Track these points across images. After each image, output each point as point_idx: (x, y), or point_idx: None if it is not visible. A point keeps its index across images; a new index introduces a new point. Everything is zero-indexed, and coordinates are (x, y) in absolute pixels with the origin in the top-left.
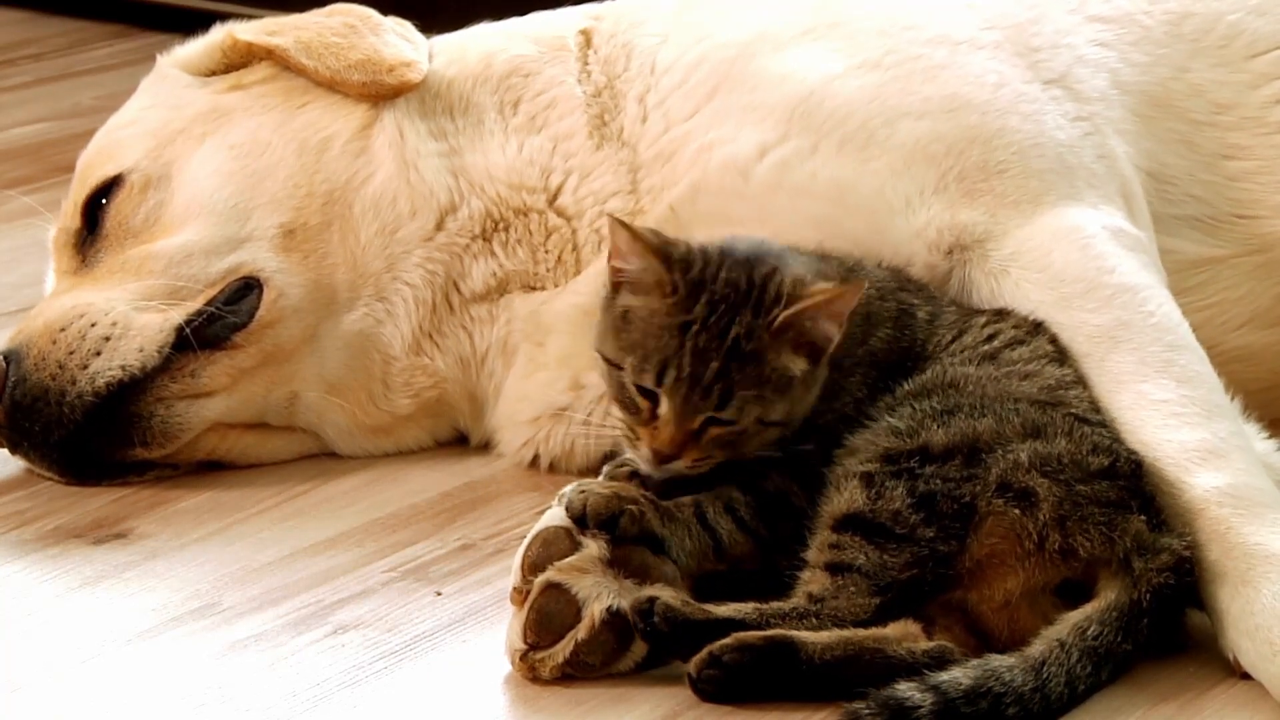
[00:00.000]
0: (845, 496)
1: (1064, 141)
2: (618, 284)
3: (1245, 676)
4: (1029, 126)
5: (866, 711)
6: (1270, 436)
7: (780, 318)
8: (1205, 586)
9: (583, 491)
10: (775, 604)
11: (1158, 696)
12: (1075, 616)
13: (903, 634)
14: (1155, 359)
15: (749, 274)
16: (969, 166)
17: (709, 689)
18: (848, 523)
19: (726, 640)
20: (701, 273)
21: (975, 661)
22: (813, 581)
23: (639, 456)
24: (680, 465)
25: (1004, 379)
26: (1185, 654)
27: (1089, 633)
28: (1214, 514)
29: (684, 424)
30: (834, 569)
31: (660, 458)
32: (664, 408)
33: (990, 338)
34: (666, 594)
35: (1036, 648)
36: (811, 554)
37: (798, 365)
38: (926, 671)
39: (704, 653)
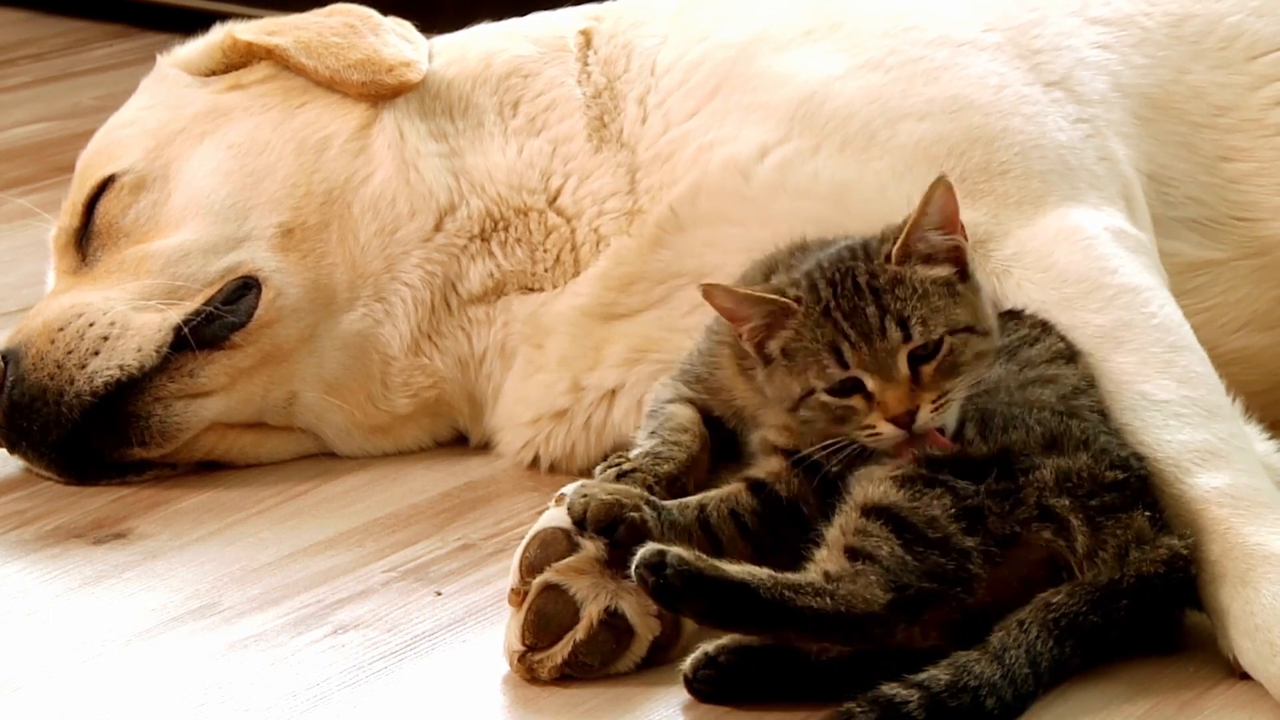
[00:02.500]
0: (879, 490)
1: (1065, 143)
2: (760, 343)
3: (1245, 677)
4: (1031, 128)
5: (859, 710)
6: (1271, 437)
7: (894, 249)
8: (1205, 586)
9: (584, 496)
10: (790, 576)
11: (1158, 696)
12: (1044, 594)
13: (900, 634)
14: (1157, 360)
15: (840, 253)
16: (971, 167)
17: (705, 689)
18: (879, 513)
19: (724, 640)
20: (804, 271)
21: (946, 660)
22: (829, 561)
23: (885, 441)
24: (927, 415)
25: (1027, 386)
26: (1185, 654)
27: (1053, 605)
28: (1214, 514)
29: (894, 375)
30: (854, 554)
31: (904, 421)
32: (869, 382)
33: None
34: (677, 548)
35: (996, 634)
36: (832, 533)
37: (942, 271)
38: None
39: (699, 653)
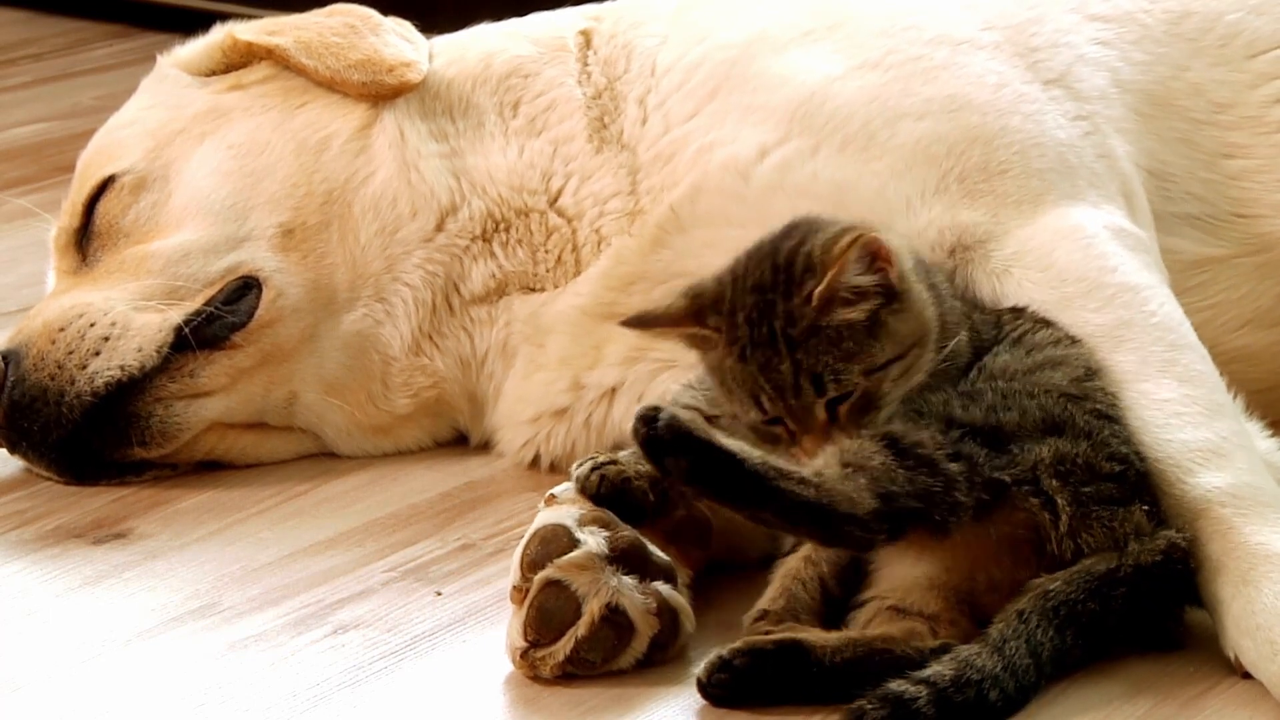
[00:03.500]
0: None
1: (1065, 141)
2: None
3: (1246, 676)
4: (1030, 126)
5: (870, 708)
6: (1272, 435)
7: (815, 294)
8: (1206, 585)
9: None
10: (779, 464)
11: (1158, 696)
12: (1040, 581)
13: (908, 633)
14: (1157, 358)
15: (774, 259)
16: (970, 167)
17: (719, 693)
18: (876, 436)
19: (737, 644)
20: (730, 298)
21: (948, 655)
22: (825, 465)
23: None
24: (849, 445)
25: (1036, 370)
26: (1186, 653)
27: (1051, 593)
28: (1216, 513)
29: (811, 427)
30: (847, 464)
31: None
32: (789, 423)
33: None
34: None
35: (996, 626)
36: (829, 448)
37: (864, 309)
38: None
39: (714, 657)
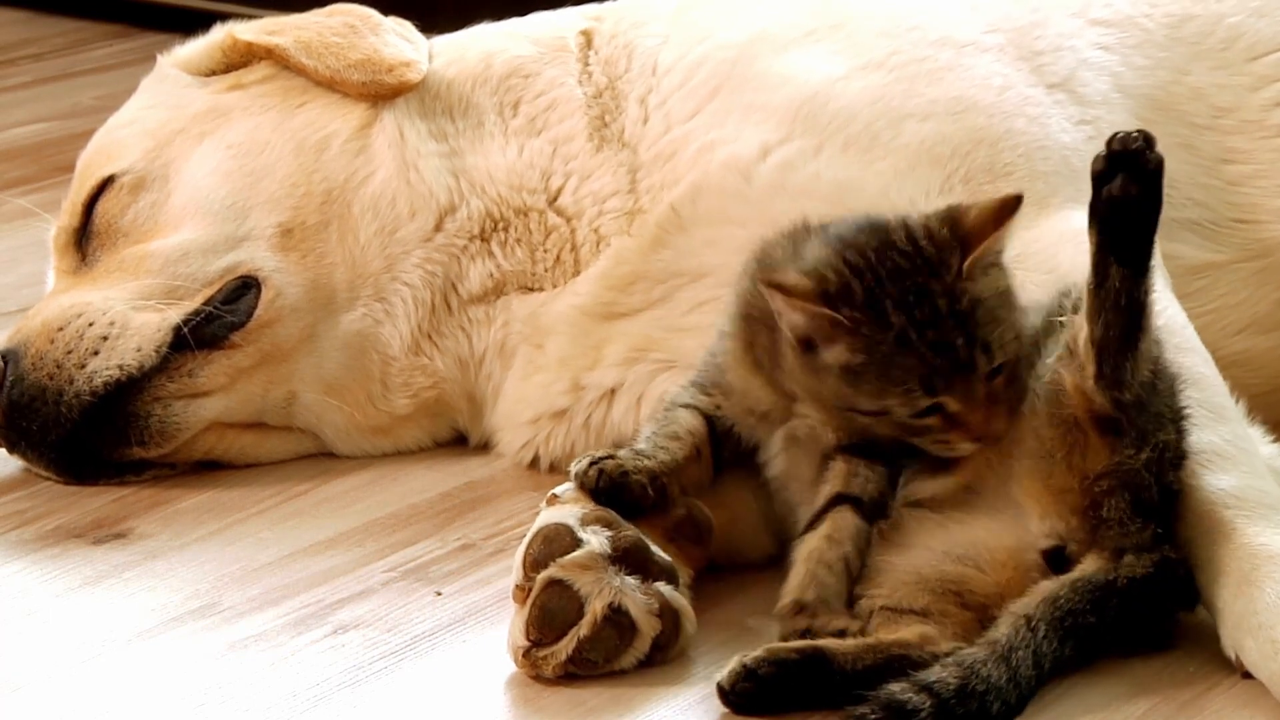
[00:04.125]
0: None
1: (1069, 144)
2: (805, 340)
3: (1247, 676)
4: (1035, 129)
5: (871, 715)
6: (1275, 440)
7: (968, 264)
8: (1209, 586)
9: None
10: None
11: (1158, 696)
12: (1048, 586)
13: (922, 638)
14: None
15: (891, 249)
16: (974, 168)
17: (742, 702)
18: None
19: (759, 653)
20: (864, 289)
21: (953, 659)
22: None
23: (958, 452)
24: (1001, 427)
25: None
26: (1186, 653)
27: (1059, 601)
28: (1220, 515)
29: (977, 399)
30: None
31: (988, 440)
32: (955, 406)
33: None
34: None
35: (1003, 629)
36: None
37: (1004, 279)
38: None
39: (737, 665)
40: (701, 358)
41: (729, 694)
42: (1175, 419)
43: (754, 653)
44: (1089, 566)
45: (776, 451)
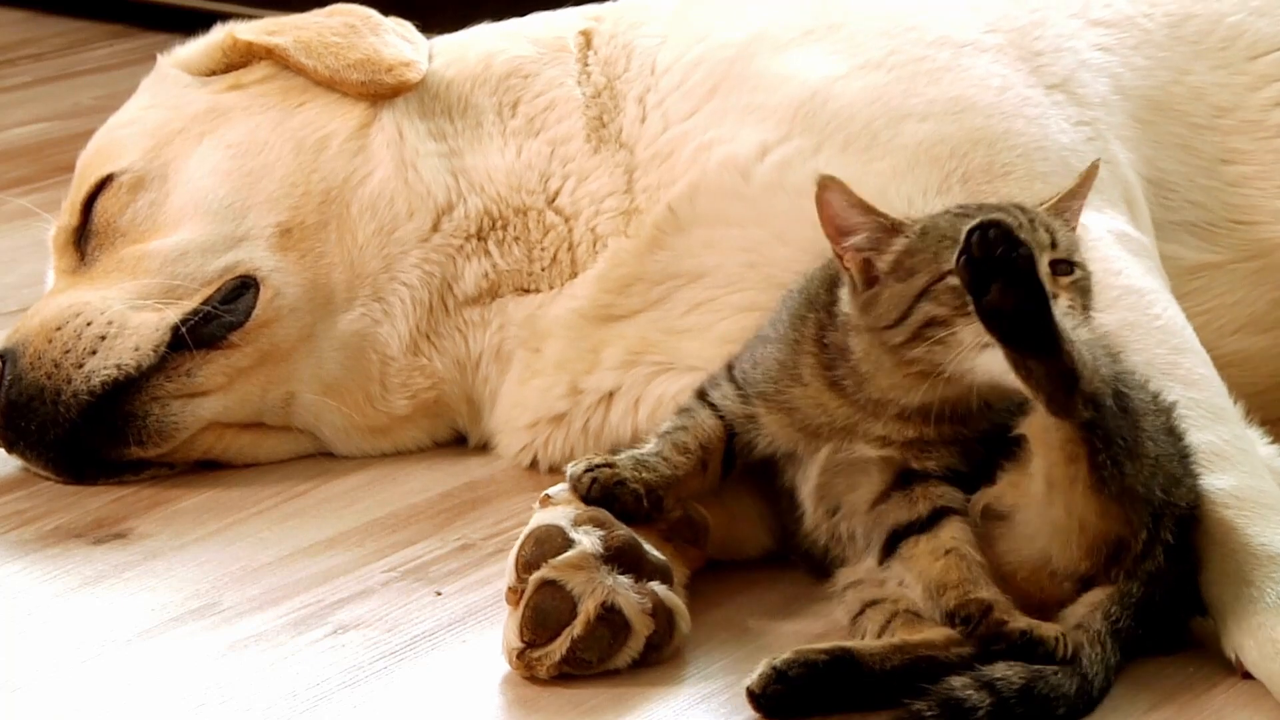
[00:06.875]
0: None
1: (1068, 145)
2: (867, 263)
3: (1247, 676)
4: (1034, 130)
5: (928, 712)
6: (1272, 441)
7: (1048, 206)
8: (1209, 586)
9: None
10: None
11: (1158, 696)
12: (1096, 598)
13: (947, 639)
14: (1161, 361)
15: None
16: (973, 169)
17: (773, 705)
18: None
19: (788, 655)
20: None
21: (1020, 663)
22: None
23: None
24: (1064, 306)
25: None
26: (1186, 654)
27: (1111, 615)
28: (1219, 515)
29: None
30: None
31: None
32: None
33: None
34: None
35: (1081, 649)
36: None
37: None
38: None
39: (766, 668)
40: (745, 358)
41: (760, 697)
42: (1179, 480)
43: (782, 655)
44: (1120, 580)
45: (816, 468)
